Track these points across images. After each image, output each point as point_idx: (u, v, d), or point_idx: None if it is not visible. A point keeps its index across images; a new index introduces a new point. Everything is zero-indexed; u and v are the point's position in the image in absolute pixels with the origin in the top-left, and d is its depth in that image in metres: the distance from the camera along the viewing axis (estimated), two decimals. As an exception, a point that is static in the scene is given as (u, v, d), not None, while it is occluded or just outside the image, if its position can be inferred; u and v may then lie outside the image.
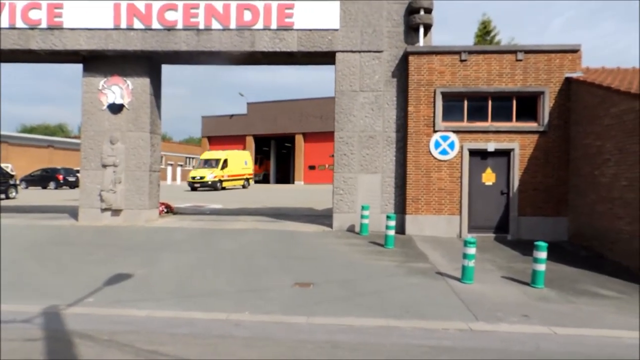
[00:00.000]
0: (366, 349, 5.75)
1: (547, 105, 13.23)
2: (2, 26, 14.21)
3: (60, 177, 39.46)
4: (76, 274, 9.21)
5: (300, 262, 10.31)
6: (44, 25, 14.22)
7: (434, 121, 13.46)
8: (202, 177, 36.36)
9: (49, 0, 14.14)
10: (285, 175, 57.65)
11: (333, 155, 14.38)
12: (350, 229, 13.81)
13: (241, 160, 41.41)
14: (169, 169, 57.83)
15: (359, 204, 13.79)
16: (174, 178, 57.42)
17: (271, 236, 12.85)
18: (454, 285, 8.64)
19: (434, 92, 13.46)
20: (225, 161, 38.55)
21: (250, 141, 54.59)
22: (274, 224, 14.84)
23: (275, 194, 31.52)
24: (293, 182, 53.51)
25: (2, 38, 14.22)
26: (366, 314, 7.00)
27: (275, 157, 58.27)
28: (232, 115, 56.25)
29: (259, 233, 13.27)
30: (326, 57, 14.57)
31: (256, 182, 54.34)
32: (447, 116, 13.59)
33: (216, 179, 36.90)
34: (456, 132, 13.44)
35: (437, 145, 13.43)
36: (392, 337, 6.18)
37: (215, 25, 14.04)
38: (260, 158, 57.21)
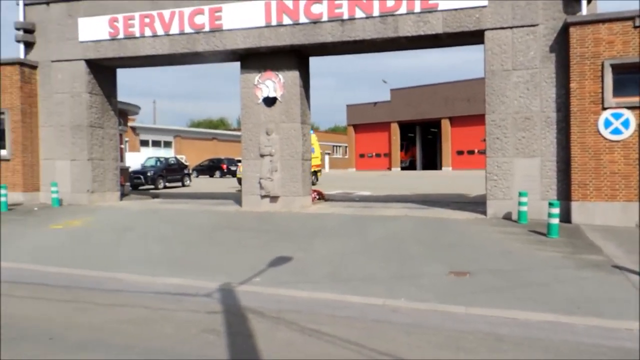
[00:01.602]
0: (533, 345, 5.42)
1: None
2: (173, 32, 15.89)
3: (224, 166, 43.84)
4: (243, 255, 10.09)
5: (453, 250, 10.04)
6: (206, 28, 15.58)
7: (602, 97, 12.01)
8: None
9: (210, 4, 15.48)
10: (431, 161, 56.61)
11: (484, 140, 13.68)
12: (507, 217, 13.04)
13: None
14: (318, 157, 60.19)
15: (515, 190, 12.93)
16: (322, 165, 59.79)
17: (422, 223, 12.70)
18: (635, 281, 7.67)
19: (602, 65, 11.98)
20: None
21: (395, 128, 54.57)
22: (424, 211, 14.64)
23: (422, 181, 31.05)
24: (440, 168, 52.31)
25: (173, 43, 15.93)
26: (530, 308, 6.57)
27: (421, 143, 57.41)
28: (375, 103, 56.64)
29: (409, 220, 13.20)
30: (474, 37, 13.86)
31: (402, 168, 54.15)
32: (618, 91, 12.00)
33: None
34: (631, 108, 11.84)
35: (608, 124, 11.99)
36: (561, 333, 5.73)
37: (359, 14, 14.14)
38: (406, 144, 56.81)
